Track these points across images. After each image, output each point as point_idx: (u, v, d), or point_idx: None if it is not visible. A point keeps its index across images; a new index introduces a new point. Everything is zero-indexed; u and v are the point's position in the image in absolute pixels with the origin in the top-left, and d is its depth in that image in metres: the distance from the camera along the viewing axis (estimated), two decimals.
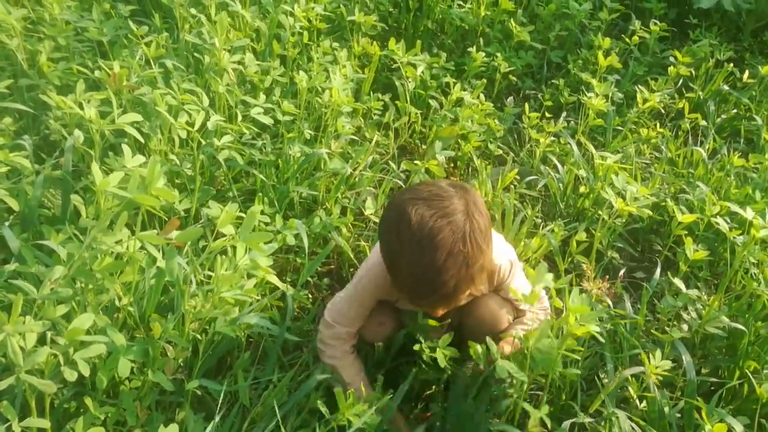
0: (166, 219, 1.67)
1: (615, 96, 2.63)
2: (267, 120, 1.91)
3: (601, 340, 1.53)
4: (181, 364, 1.53)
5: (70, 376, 1.08)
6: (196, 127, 1.71)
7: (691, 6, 3.12)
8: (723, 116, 2.67)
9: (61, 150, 1.95)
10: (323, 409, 1.46)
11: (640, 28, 2.80)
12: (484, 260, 1.35)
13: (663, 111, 2.67)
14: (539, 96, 2.75)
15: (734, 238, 1.69)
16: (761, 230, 1.51)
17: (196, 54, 2.16)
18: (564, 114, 2.61)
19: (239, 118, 1.92)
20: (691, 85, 2.77)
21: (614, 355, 1.55)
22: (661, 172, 2.29)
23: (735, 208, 1.62)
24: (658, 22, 2.86)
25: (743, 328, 1.60)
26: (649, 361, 1.43)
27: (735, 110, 2.69)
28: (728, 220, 1.88)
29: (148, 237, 1.25)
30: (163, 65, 2.06)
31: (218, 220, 1.30)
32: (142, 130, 1.95)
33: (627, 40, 2.80)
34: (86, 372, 1.11)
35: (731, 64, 2.79)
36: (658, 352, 1.44)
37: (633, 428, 1.37)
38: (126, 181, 1.27)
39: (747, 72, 2.73)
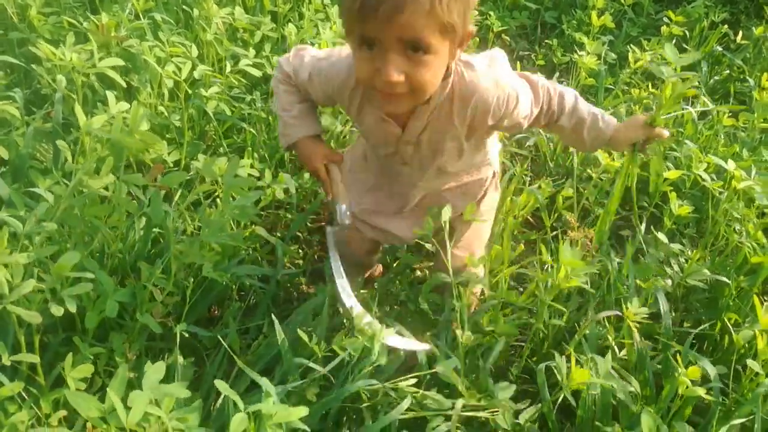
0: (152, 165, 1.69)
1: (608, 56, 2.63)
2: (256, 72, 1.91)
3: (590, 290, 1.55)
4: (170, 311, 1.56)
5: (57, 311, 1.11)
6: (183, 76, 1.71)
7: None
8: (716, 77, 2.67)
9: (51, 103, 1.97)
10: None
11: None
12: None
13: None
14: (532, 56, 2.74)
15: (720, 193, 1.70)
16: (742, 182, 1.52)
17: (185, 8, 2.15)
18: (557, 74, 2.61)
19: (228, 69, 1.92)
20: (684, 46, 2.76)
21: (593, 301, 1.57)
22: None
23: (717, 160, 1.63)
24: None
25: (726, 280, 1.62)
26: (627, 307, 1.46)
27: (728, 71, 2.69)
28: (714, 178, 1.90)
29: (133, 179, 1.26)
30: (153, 18, 2.06)
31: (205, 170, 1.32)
32: (131, 83, 1.96)
33: (621, 0, 2.79)
34: (73, 309, 1.13)
35: (726, 26, 2.78)
36: (635, 299, 1.46)
37: (611, 372, 1.40)
38: (110, 125, 1.29)
39: (741, 33, 2.72)
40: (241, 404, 1.11)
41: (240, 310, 1.70)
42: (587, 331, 1.43)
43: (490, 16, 2.63)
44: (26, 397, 1.22)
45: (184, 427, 1.10)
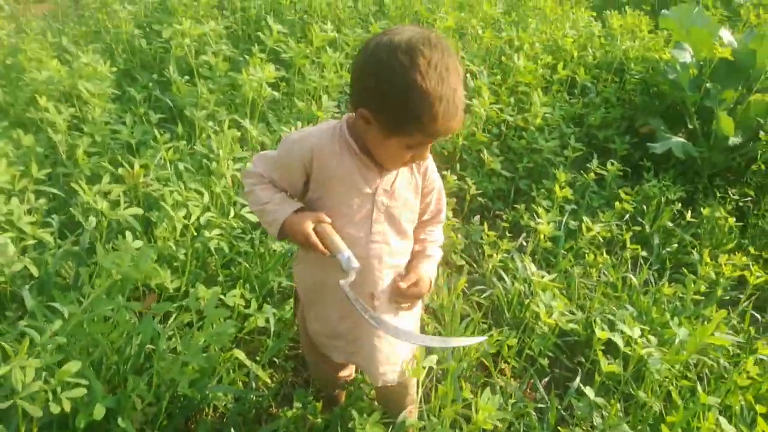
0: (150, 293, 2.01)
1: (569, 223, 2.98)
2: (253, 218, 2.28)
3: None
4: (149, 419, 1.81)
5: (55, 409, 1.39)
6: (192, 220, 2.08)
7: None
8: (668, 249, 2.99)
9: (81, 230, 2.35)
10: None
11: (598, 167, 3.19)
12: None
13: (614, 240, 3.01)
14: (503, 216, 3.11)
15: (634, 352, 1.96)
16: (644, 349, 1.79)
17: (206, 161, 2.58)
18: (524, 234, 2.96)
19: (232, 214, 2.30)
20: (639, 219, 3.11)
21: None
22: (600, 294, 2.59)
23: (623, 326, 1.91)
24: (615, 162, 3.25)
25: None
26: None
27: (677, 245, 3.01)
28: (649, 340, 2.15)
29: (132, 306, 1.58)
30: (176, 167, 2.48)
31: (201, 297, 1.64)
32: (150, 219, 2.34)
33: (585, 176, 3.19)
34: (68, 408, 1.41)
35: (679, 204, 3.15)
36: None
37: None
38: (120, 259, 1.63)
39: (690, 212, 3.08)
40: None
41: (212, 425, 1.94)
42: None
43: (467, 181, 3.03)
44: None
45: None
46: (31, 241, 2.01)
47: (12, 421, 1.51)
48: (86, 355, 1.65)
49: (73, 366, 1.41)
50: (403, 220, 1.57)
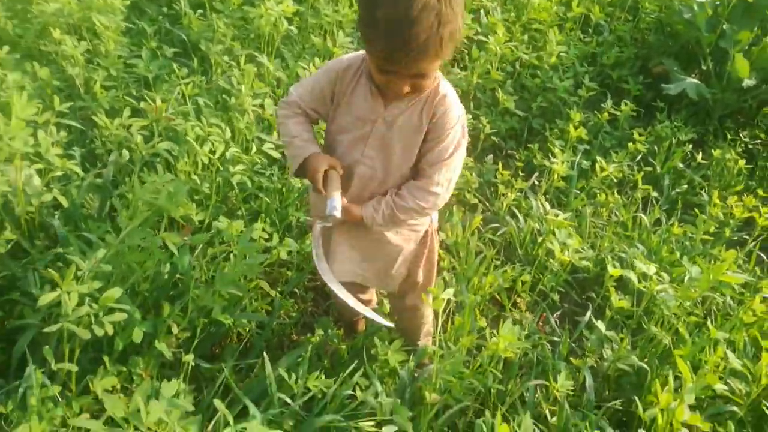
0: (184, 225, 2.06)
1: (582, 163, 3.01)
2: (275, 154, 2.30)
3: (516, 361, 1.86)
4: (181, 344, 1.89)
5: (99, 331, 1.45)
6: (217, 155, 2.11)
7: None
8: (678, 190, 3.04)
9: (103, 162, 2.38)
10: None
11: (612, 107, 3.20)
12: (454, 27, 1.37)
13: (625, 180, 3.05)
14: (516, 156, 3.14)
15: (648, 288, 2.03)
16: (658, 286, 1.86)
17: (224, 95, 2.58)
18: (536, 174, 3.00)
19: (254, 150, 2.32)
20: (651, 160, 3.14)
21: (534, 371, 1.88)
22: (611, 233, 2.65)
23: (639, 264, 1.98)
24: (629, 103, 3.26)
25: (646, 367, 1.93)
26: (555, 380, 1.77)
27: (687, 186, 3.05)
28: (662, 278, 2.21)
29: (170, 237, 1.63)
30: (196, 102, 2.48)
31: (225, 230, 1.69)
32: (172, 153, 2.36)
33: (598, 116, 3.20)
34: (110, 331, 1.48)
35: (690, 146, 3.18)
36: (563, 373, 1.78)
37: (534, 428, 1.70)
38: (156, 192, 1.67)
39: (701, 153, 3.11)
40: (231, 421, 1.43)
41: (237, 350, 2.02)
42: (519, 396, 1.73)
43: (481, 120, 3.04)
44: (60, 399, 1.55)
45: None
46: (57, 173, 2.03)
47: (52, 343, 1.58)
48: (123, 283, 1.70)
49: (115, 292, 1.47)
50: (395, 154, 1.60)
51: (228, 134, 2.25)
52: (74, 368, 1.51)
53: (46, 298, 1.34)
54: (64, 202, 1.98)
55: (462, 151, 1.61)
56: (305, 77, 1.75)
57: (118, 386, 1.73)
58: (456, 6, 1.37)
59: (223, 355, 2.01)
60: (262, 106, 2.47)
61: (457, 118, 1.57)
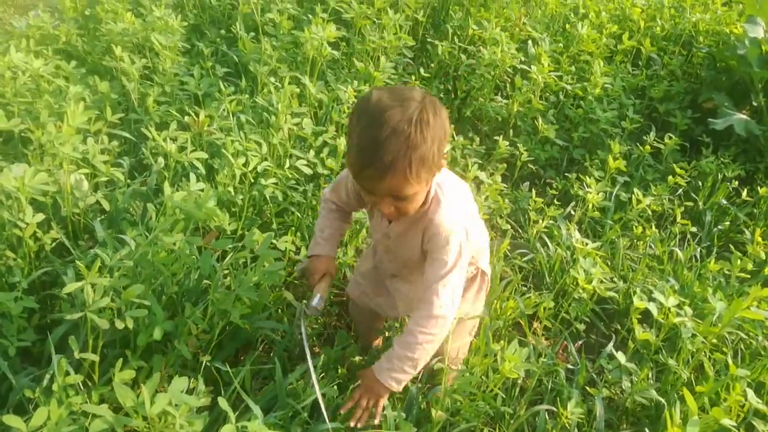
0: (210, 230, 2.16)
1: (621, 196, 2.98)
2: (307, 170, 2.39)
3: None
4: (203, 347, 1.97)
5: (119, 325, 1.55)
6: (250, 168, 2.21)
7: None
8: (719, 227, 2.95)
9: (149, 172, 2.52)
10: None
11: (655, 140, 3.15)
12: (425, 153, 1.43)
13: (664, 214, 2.99)
14: (554, 184, 3.13)
15: (666, 321, 1.99)
16: (676, 317, 1.82)
17: (266, 114, 2.70)
18: (572, 203, 2.98)
19: (287, 165, 2.42)
20: (693, 195, 3.07)
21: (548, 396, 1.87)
22: (644, 266, 2.60)
23: (656, 294, 1.94)
24: (673, 136, 3.20)
25: (662, 399, 1.89)
26: (565, 407, 1.76)
27: (729, 223, 2.97)
28: (684, 311, 2.16)
29: (193, 240, 1.72)
30: (238, 118, 2.61)
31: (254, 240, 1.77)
32: (213, 165, 2.49)
33: (641, 148, 3.16)
34: (131, 325, 1.57)
35: (736, 183, 3.09)
36: (573, 399, 1.76)
37: None
38: (189, 199, 1.77)
39: (745, 191, 3.02)
40: (233, 418, 1.49)
41: (259, 357, 2.09)
42: (528, 421, 1.73)
43: (518, 147, 3.05)
44: (82, 387, 1.65)
45: (191, 430, 1.48)
46: (104, 179, 2.18)
47: (81, 335, 1.68)
48: (149, 283, 1.80)
49: (137, 288, 1.56)
50: (403, 258, 1.80)
51: (264, 150, 2.35)
52: (96, 358, 1.60)
53: (71, 287, 1.44)
54: (107, 206, 2.12)
55: (459, 271, 1.63)
56: (339, 176, 1.92)
57: (139, 381, 1.82)
58: (427, 132, 1.42)
59: (246, 362, 2.08)
60: (300, 124, 2.57)
61: (445, 240, 1.61)
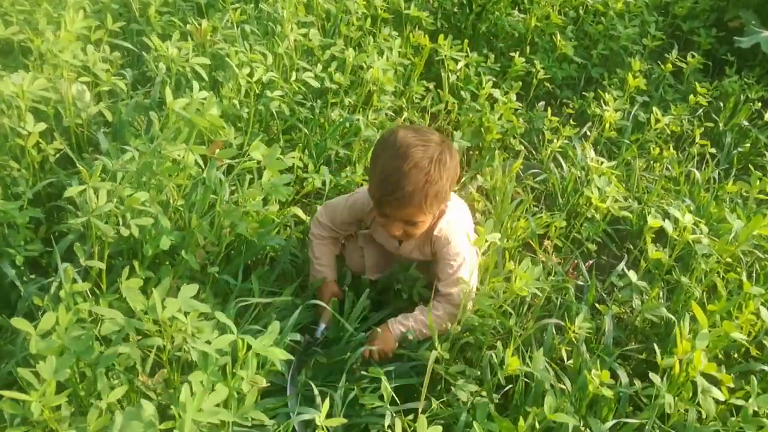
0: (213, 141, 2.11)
1: (639, 116, 2.88)
2: (314, 83, 2.31)
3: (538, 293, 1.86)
4: (211, 260, 1.96)
5: (124, 232, 1.52)
6: (255, 79, 2.13)
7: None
8: (739, 149, 2.87)
9: (152, 83, 2.45)
10: None
11: (677, 58, 3.02)
12: (439, 190, 1.69)
13: (683, 135, 2.90)
14: (570, 104, 3.03)
15: (680, 237, 1.94)
16: (691, 235, 1.78)
17: (271, 24, 2.60)
18: (588, 123, 2.89)
19: (293, 78, 2.33)
20: (714, 116, 2.97)
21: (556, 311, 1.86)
22: (659, 187, 2.54)
23: (672, 210, 1.89)
24: (696, 55, 3.07)
25: (672, 317, 1.87)
26: (573, 322, 1.74)
27: (749, 145, 2.88)
28: (700, 229, 2.11)
29: (197, 149, 1.67)
30: (243, 29, 2.51)
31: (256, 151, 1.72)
32: (217, 78, 2.41)
33: (662, 67, 3.03)
34: (136, 233, 1.54)
35: (759, 104, 2.98)
36: (581, 315, 1.74)
37: (547, 367, 1.68)
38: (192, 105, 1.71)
39: None
40: (234, 330, 1.48)
41: (267, 273, 2.08)
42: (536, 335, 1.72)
43: (535, 64, 2.94)
44: (90, 296, 1.65)
45: (199, 335, 1.47)
46: (105, 88, 2.11)
47: (87, 246, 1.67)
48: (155, 191, 1.77)
49: (142, 195, 1.53)
50: (412, 259, 2.01)
51: (270, 61, 2.27)
52: (102, 265, 1.59)
53: (73, 190, 1.41)
54: (109, 116, 2.07)
55: (470, 263, 1.86)
56: (330, 204, 2.06)
57: (147, 290, 1.82)
58: (443, 171, 1.68)
59: (253, 275, 2.07)
60: (307, 34, 2.47)
61: (447, 240, 1.84)
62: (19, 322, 1.38)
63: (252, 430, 1.49)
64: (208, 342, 1.35)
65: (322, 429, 1.38)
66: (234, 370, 1.36)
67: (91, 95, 2.17)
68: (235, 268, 2.03)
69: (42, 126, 1.86)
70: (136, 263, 1.77)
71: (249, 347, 1.43)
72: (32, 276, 1.88)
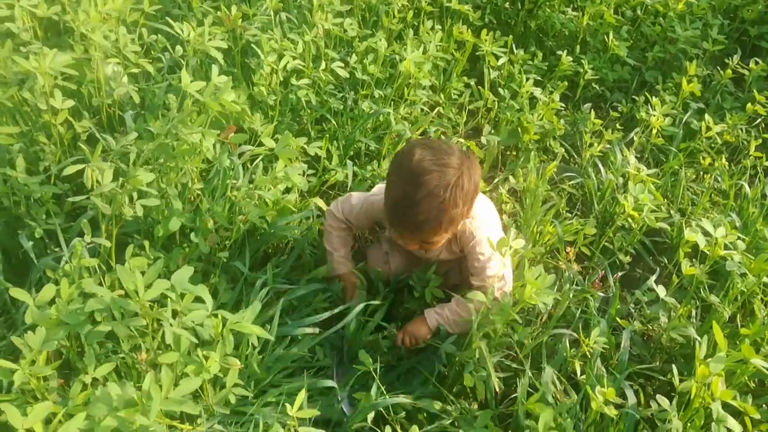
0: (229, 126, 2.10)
1: (692, 123, 2.71)
2: (343, 73, 2.28)
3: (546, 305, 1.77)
4: (224, 244, 1.96)
5: (128, 212, 1.53)
6: (281, 66, 2.12)
7: None
8: None
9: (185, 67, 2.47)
10: None
11: (738, 64, 2.82)
12: (455, 215, 1.60)
13: (739, 146, 2.71)
14: (619, 108, 2.88)
15: (712, 252, 1.80)
16: (723, 250, 1.64)
17: (307, 13, 2.58)
18: (636, 129, 2.74)
19: (322, 66, 2.31)
20: None
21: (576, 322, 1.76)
22: (705, 200, 2.38)
23: (705, 224, 1.74)
24: (760, 61, 2.86)
25: (698, 338, 1.73)
26: (588, 336, 1.64)
27: None
28: (735, 246, 1.95)
29: (209, 133, 1.67)
30: (280, 17, 2.50)
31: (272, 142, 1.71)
32: (250, 65, 2.41)
33: (721, 73, 2.84)
34: (140, 213, 1.55)
35: None
36: (597, 329, 1.64)
37: (554, 380, 1.59)
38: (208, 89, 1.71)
39: None
40: (209, 303, 1.45)
41: (283, 262, 2.06)
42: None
43: (583, 64, 2.80)
44: (98, 270, 1.67)
45: (189, 317, 1.46)
46: (134, 70, 2.14)
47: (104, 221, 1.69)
48: (174, 176, 1.78)
49: (147, 176, 1.53)
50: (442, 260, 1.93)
51: (301, 49, 2.25)
52: (107, 243, 1.61)
53: (71, 168, 1.43)
54: (136, 98, 2.09)
55: (499, 254, 1.72)
56: (347, 199, 1.98)
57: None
58: (461, 198, 1.58)
59: (267, 263, 2.06)
60: (341, 24, 2.44)
61: (472, 235, 1.76)
62: (17, 293, 1.41)
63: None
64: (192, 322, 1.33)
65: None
66: (211, 350, 1.34)
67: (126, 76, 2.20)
68: (251, 257, 2.03)
69: (70, 103, 1.90)
70: (146, 243, 1.78)
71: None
72: (56, 249, 1.92)
